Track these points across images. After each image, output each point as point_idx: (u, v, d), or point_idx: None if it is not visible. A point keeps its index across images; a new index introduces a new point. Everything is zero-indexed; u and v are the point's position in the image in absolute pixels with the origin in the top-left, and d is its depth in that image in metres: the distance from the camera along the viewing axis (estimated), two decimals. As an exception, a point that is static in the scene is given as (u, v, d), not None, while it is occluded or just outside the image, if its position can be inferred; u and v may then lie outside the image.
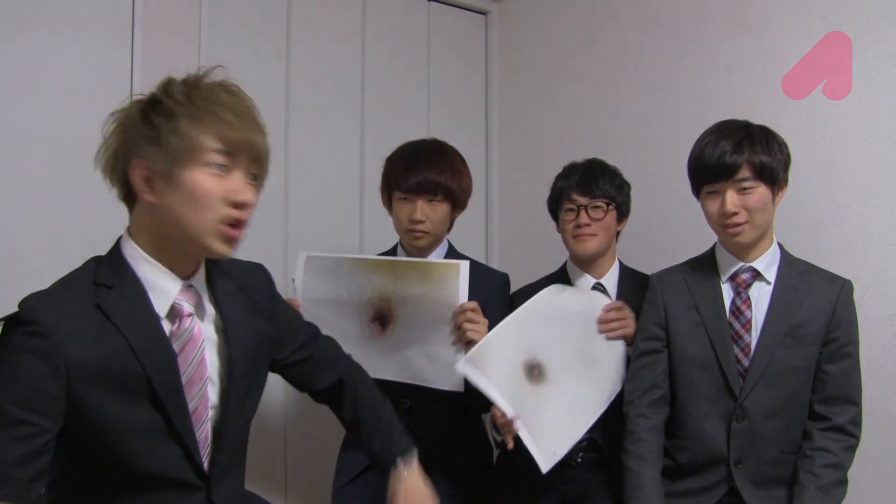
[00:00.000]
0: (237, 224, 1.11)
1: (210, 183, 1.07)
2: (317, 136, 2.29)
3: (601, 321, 1.67)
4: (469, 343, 1.56)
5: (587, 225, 1.72)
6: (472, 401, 1.72)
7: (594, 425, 1.71)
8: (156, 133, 1.05)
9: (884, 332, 1.66)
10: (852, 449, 1.43)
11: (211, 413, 1.16)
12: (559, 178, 1.81)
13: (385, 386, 1.72)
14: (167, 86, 1.10)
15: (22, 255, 1.75)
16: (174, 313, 1.13)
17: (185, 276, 1.15)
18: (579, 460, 1.73)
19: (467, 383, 1.61)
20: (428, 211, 1.70)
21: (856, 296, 1.49)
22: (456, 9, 2.66)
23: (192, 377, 1.13)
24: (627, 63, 2.26)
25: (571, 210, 1.75)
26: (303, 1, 2.26)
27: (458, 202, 1.76)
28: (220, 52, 2.07)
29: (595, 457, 1.72)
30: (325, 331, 1.56)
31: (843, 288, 1.47)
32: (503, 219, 2.71)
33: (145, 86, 1.89)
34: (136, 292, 1.09)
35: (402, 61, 2.50)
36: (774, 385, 1.45)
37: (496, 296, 1.77)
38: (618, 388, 1.66)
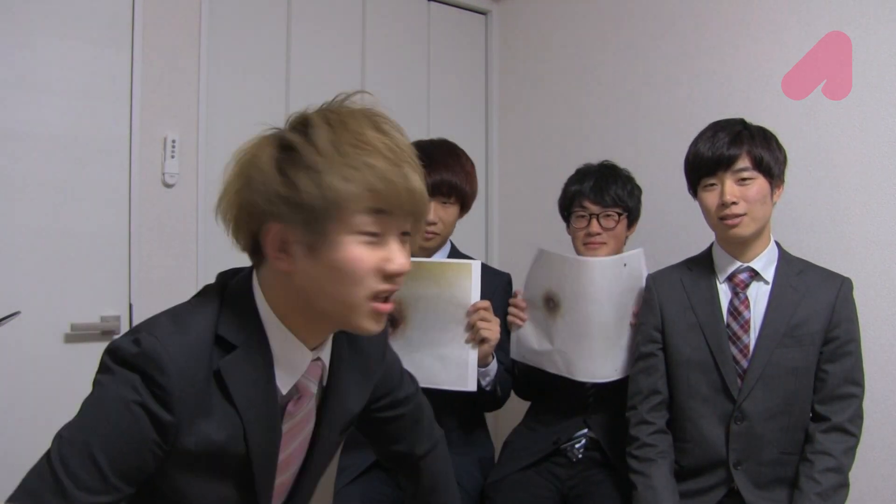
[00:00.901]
0: (389, 296, 0.91)
1: (361, 254, 0.86)
2: (317, 136, 2.28)
3: (635, 313, 1.68)
4: (483, 341, 1.57)
5: (598, 234, 1.73)
6: (482, 401, 1.73)
7: (592, 419, 1.73)
8: (296, 193, 0.84)
9: (884, 332, 1.66)
10: (853, 449, 1.43)
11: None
12: (572, 181, 1.82)
13: None
14: (305, 127, 0.88)
15: (22, 255, 1.75)
16: (296, 390, 0.96)
17: (314, 346, 0.96)
18: (580, 457, 1.74)
19: (479, 385, 1.62)
20: (440, 212, 1.71)
21: (855, 296, 1.48)
22: (456, 9, 2.66)
23: (291, 455, 1.00)
24: (627, 63, 2.26)
25: (583, 217, 1.76)
26: (303, 1, 2.26)
27: (466, 204, 1.78)
28: (220, 53, 2.07)
29: (597, 455, 1.73)
30: None
31: (841, 286, 1.47)
32: (503, 219, 2.71)
33: (145, 86, 1.92)
34: (264, 360, 0.92)
35: (402, 61, 2.50)
36: (773, 386, 1.45)
37: (500, 295, 1.78)
38: (613, 377, 1.66)
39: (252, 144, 0.91)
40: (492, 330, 1.58)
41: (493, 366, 1.67)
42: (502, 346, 1.75)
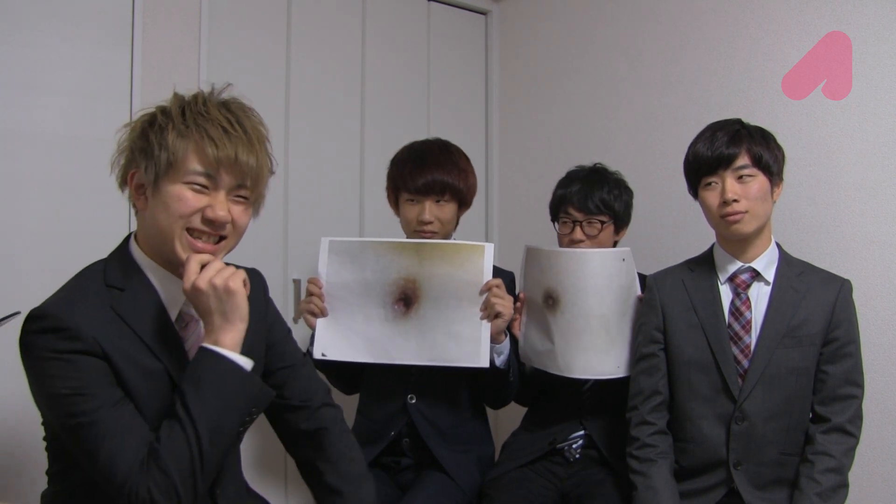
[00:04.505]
0: (204, 236, 1.12)
1: (188, 194, 1.09)
2: (317, 136, 2.29)
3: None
4: (497, 316, 1.60)
5: (581, 241, 1.73)
6: (495, 387, 1.74)
7: (586, 417, 1.74)
8: (148, 145, 1.09)
9: (884, 332, 1.66)
10: (852, 450, 1.43)
11: None
12: (560, 184, 1.83)
13: (392, 381, 1.74)
14: (171, 101, 1.13)
15: (22, 255, 1.75)
16: (182, 319, 1.16)
17: None
18: (578, 457, 1.74)
19: (493, 364, 1.65)
20: (436, 211, 1.72)
21: (855, 296, 1.49)
22: (456, 9, 2.66)
23: None
24: (627, 63, 2.26)
25: (567, 223, 1.78)
26: (303, 1, 2.26)
27: (464, 201, 1.79)
28: (219, 53, 2.07)
29: (594, 454, 1.73)
30: (348, 313, 1.62)
31: (841, 288, 1.47)
32: (503, 219, 2.71)
33: (145, 86, 1.92)
34: (148, 295, 1.13)
35: (402, 61, 2.50)
36: (774, 386, 1.45)
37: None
38: (616, 374, 1.65)
39: (138, 116, 1.15)
40: (505, 305, 1.60)
41: (506, 343, 1.68)
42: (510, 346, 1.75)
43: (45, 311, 1.05)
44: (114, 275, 1.12)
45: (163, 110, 1.12)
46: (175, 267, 1.14)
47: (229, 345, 1.09)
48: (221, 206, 1.11)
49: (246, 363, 1.10)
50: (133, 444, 1.03)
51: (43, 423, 1.16)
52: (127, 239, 1.19)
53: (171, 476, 1.01)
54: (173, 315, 1.15)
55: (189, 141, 1.08)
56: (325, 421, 1.35)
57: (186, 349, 1.15)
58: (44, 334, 1.03)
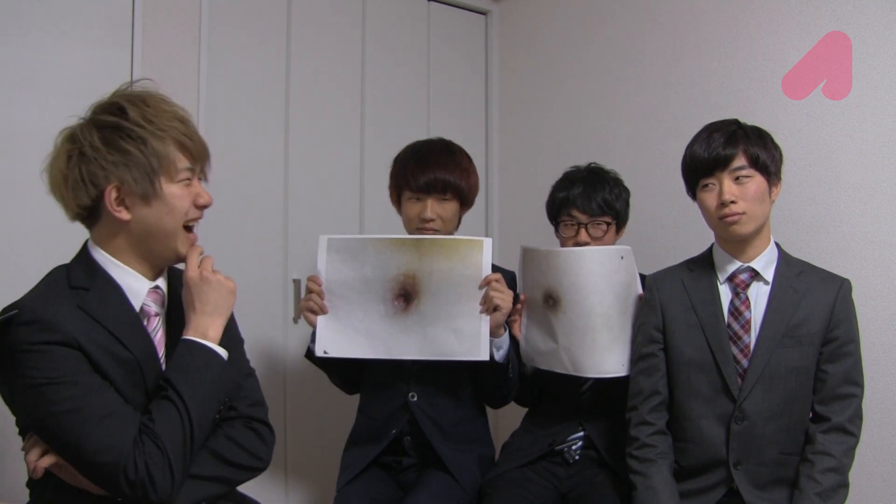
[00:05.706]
0: (194, 223, 1.23)
1: (184, 191, 1.18)
2: (317, 136, 2.29)
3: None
4: (496, 310, 1.60)
5: (587, 243, 1.72)
6: (494, 383, 1.74)
7: (585, 416, 1.74)
8: (127, 158, 1.12)
9: (884, 332, 1.66)
10: (852, 449, 1.43)
11: None
12: (559, 187, 1.81)
13: (393, 378, 1.74)
14: (118, 110, 1.15)
15: (21, 255, 1.75)
16: (143, 313, 1.20)
17: (152, 278, 1.23)
18: (577, 458, 1.74)
19: (493, 358, 1.65)
20: (438, 209, 1.73)
21: (855, 296, 1.49)
22: (456, 9, 2.66)
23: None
24: (627, 63, 2.26)
25: (571, 226, 1.76)
26: (303, 1, 2.26)
27: (466, 200, 1.79)
28: (219, 53, 2.08)
29: (594, 455, 1.73)
30: (348, 310, 1.63)
31: (841, 287, 1.47)
32: (503, 218, 2.71)
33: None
34: (114, 292, 1.17)
35: (402, 61, 2.50)
36: (773, 386, 1.45)
37: None
38: (621, 372, 1.63)
39: (70, 132, 1.18)
40: (504, 299, 1.61)
41: (506, 338, 1.68)
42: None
43: (19, 305, 1.08)
44: (77, 277, 1.16)
45: (125, 118, 1.13)
46: (156, 263, 1.21)
47: (213, 338, 1.18)
48: (205, 191, 1.22)
49: (224, 353, 1.19)
50: (121, 425, 1.06)
51: (19, 432, 1.17)
52: (85, 245, 1.22)
53: (165, 450, 1.06)
54: (137, 306, 1.19)
55: (168, 141, 1.14)
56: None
57: (154, 341, 1.20)
58: (19, 327, 1.05)
